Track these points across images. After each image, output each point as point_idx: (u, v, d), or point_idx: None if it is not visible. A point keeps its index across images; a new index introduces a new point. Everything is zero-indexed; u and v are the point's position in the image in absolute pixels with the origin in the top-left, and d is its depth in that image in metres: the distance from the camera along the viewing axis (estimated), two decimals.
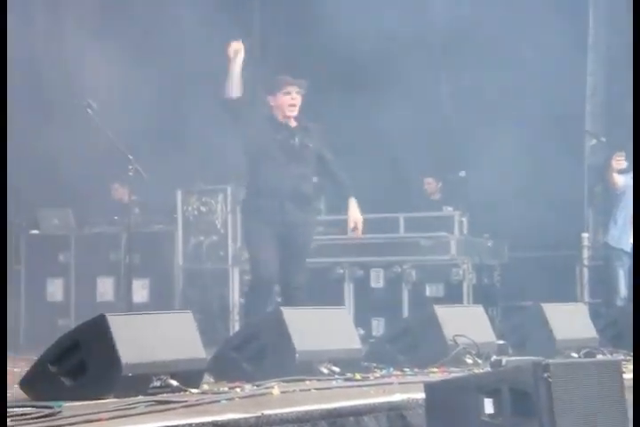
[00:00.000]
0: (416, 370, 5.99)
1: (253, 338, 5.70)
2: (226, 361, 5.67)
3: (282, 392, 4.88)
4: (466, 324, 6.44)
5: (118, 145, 7.40)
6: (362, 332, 8.26)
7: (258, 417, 4.01)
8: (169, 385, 4.86)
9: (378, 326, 9.22)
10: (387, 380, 5.56)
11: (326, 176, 7.01)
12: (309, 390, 5.07)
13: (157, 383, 4.83)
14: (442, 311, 6.45)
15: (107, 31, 10.12)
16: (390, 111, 9.84)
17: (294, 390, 4.98)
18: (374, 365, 6.09)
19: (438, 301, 8.42)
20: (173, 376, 4.88)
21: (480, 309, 6.96)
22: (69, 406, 4.36)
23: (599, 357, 6.67)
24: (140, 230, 9.20)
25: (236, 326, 9.09)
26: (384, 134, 10.16)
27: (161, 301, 9.44)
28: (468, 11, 10.00)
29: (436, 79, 10.54)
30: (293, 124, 6.71)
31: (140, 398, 4.57)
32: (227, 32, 7.10)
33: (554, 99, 9.63)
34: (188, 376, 4.96)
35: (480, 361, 6.17)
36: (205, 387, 5.09)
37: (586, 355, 6.75)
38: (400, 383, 5.34)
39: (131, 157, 7.28)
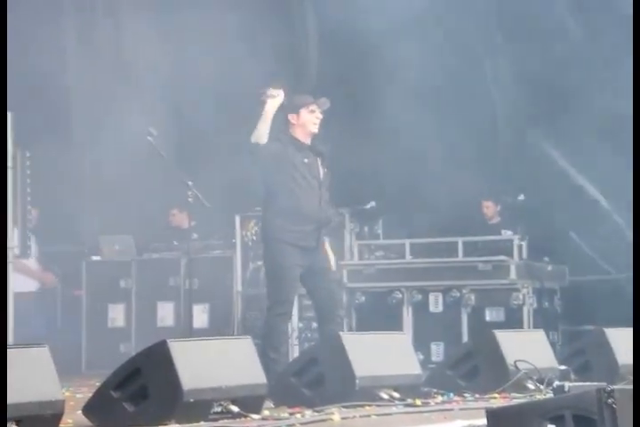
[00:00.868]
0: (477, 396, 5.96)
1: (313, 364, 5.70)
2: (286, 387, 5.67)
3: (342, 418, 4.88)
4: (527, 349, 6.39)
5: (177, 171, 7.47)
6: (421, 357, 8.22)
7: None
8: (230, 411, 4.87)
9: (437, 351, 9.16)
10: (447, 406, 5.53)
11: None
12: (370, 416, 5.05)
13: (218, 409, 4.85)
14: (502, 336, 6.40)
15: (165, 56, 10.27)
16: (447, 134, 9.83)
17: (354, 416, 4.97)
18: (434, 390, 6.06)
19: (498, 325, 8.36)
20: (234, 402, 4.90)
21: (541, 333, 6.90)
22: None
23: None
24: (199, 256, 9.27)
25: (294, 351, 9.09)
26: (440, 157, 10.14)
27: (220, 326, 9.48)
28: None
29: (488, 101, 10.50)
30: (308, 142, 6.74)
31: (202, 424, 4.59)
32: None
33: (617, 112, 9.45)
34: (249, 402, 4.97)
35: (542, 387, 6.11)
36: (266, 413, 5.10)
37: None
38: (461, 409, 5.31)
39: (190, 183, 7.34)
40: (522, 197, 9.72)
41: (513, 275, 9.17)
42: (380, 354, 5.75)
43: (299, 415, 5.05)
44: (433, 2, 9.81)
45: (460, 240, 9.44)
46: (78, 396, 5.99)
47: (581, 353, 7.10)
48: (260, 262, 9.44)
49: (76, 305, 10.14)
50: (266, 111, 6.53)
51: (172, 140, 9.03)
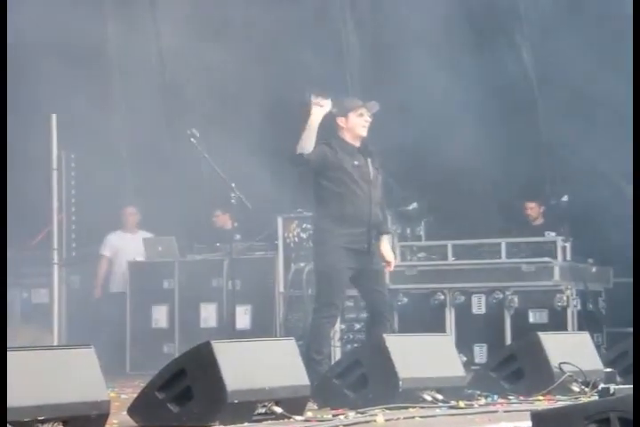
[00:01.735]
0: (521, 398, 5.93)
1: (356, 365, 5.70)
2: (329, 388, 5.67)
3: (386, 420, 4.87)
4: (571, 351, 6.35)
5: (220, 173, 7.50)
6: (464, 359, 8.18)
7: None
8: (273, 412, 4.88)
9: (480, 353, 9.12)
10: (491, 408, 5.51)
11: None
12: (413, 417, 5.04)
13: (262, 410, 4.86)
14: (546, 338, 6.36)
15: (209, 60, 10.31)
16: (491, 135, 9.78)
17: (398, 418, 4.97)
18: (478, 392, 6.03)
19: (542, 327, 8.30)
20: (278, 403, 4.90)
21: (585, 335, 6.85)
22: None
23: None
24: (241, 257, 9.29)
25: (336, 353, 9.09)
26: (484, 159, 10.09)
27: (262, 327, 9.50)
28: None
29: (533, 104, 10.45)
30: (358, 144, 6.72)
31: (246, 425, 4.60)
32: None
33: None
34: (292, 403, 4.98)
35: (587, 389, 6.07)
36: (309, 414, 5.10)
37: None
38: (505, 411, 5.28)
39: (233, 185, 7.37)
40: (566, 198, 9.66)
41: (557, 276, 9.11)
42: (424, 356, 5.74)
43: (342, 417, 5.05)
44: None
45: (503, 242, 9.39)
46: (123, 397, 6.03)
47: (626, 355, 7.03)
48: (302, 264, 9.46)
49: (121, 306, 10.20)
50: (311, 121, 6.52)
51: (215, 141, 9.06)
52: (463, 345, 8.74)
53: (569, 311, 9.06)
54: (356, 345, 8.82)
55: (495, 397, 5.98)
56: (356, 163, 6.66)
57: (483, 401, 5.84)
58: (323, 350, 6.51)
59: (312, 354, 6.36)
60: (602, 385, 5.66)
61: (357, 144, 6.72)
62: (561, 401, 5.71)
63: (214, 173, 7.58)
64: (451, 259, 9.47)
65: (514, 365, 6.34)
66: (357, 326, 9.36)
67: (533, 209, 10.23)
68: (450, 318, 9.32)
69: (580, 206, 9.52)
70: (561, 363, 6.15)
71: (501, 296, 9.21)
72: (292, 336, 5.71)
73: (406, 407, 5.33)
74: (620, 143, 9.55)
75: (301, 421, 4.84)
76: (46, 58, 9.88)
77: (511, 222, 10.15)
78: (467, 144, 9.69)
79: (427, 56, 9.61)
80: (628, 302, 9.52)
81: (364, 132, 6.70)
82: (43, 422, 4.08)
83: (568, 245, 9.30)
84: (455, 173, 9.93)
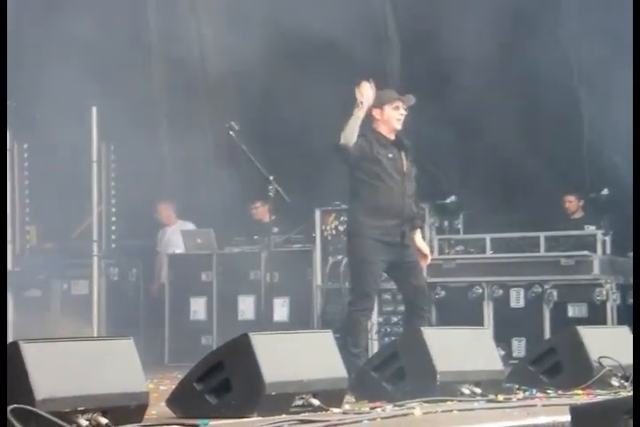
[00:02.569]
0: (560, 392, 5.89)
1: (394, 358, 5.69)
2: (366, 381, 5.67)
3: (424, 413, 4.86)
4: (611, 345, 6.30)
5: (259, 166, 7.52)
6: (502, 352, 8.15)
7: None
8: (311, 404, 4.89)
9: (519, 347, 9.09)
10: (530, 402, 5.48)
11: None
12: (452, 411, 5.03)
13: (299, 402, 4.87)
14: (586, 332, 6.32)
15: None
16: (530, 130, 9.74)
17: (436, 411, 4.95)
18: (516, 386, 6.01)
19: (581, 321, 8.25)
20: (315, 395, 4.91)
21: (625, 329, 6.79)
22: (215, 425, 4.43)
23: None
24: (279, 250, 9.31)
25: (374, 346, 9.09)
26: (523, 152, 10.04)
27: (300, 319, 9.52)
28: None
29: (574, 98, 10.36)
30: (392, 137, 6.70)
31: (284, 417, 4.61)
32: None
33: None
34: (330, 396, 4.99)
35: (627, 384, 6.03)
36: (347, 407, 5.10)
37: None
38: (544, 406, 5.25)
39: (271, 178, 7.38)
40: (605, 191, 9.59)
41: (596, 270, 9.05)
42: (462, 349, 5.72)
43: (379, 410, 5.04)
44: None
45: (541, 235, 9.34)
46: (162, 388, 6.06)
47: None
48: (339, 256, 9.47)
49: (159, 298, 10.26)
50: (359, 111, 6.50)
51: (255, 133, 9.08)
52: (501, 339, 8.70)
53: (608, 305, 9.00)
54: (393, 338, 8.81)
55: (534, 391, 5.95)
56: (390, 155, 6.65)
57: (521, 395, 5.81)
58: (360, 343, 6.51)
59: (349, 347, 6.36)
60: None
61: (392, 137, 6.71)
62: (600, 396, 5.67)
63: (253, 166, 7.60)
64: (489, 252, 9.43)
65: (553, 359, 6.30)
66: (395, 319, 9.35)
67: (572, 202, 10.17)
68: (488, 311, 9.29)
69: (621, 199, 9.45)
70: (600, 357, 6.10)
71: (540, 290, 9.16)
72: (329, 329, 5.71)
73: (444, 401, 5.31)
74: None
75: (339, 413, 4.84)
76: (87, 50, 9.95)
77: (550, 216, 10.09)
78: (507, 138, 9.65)
79: (471, 44, 9.54)
80: None
81: (398, 126, 6.68)
82: (82, 412, 4.11)
83: (608, 238, 9.23)
84: (494, 166, 9.89)
